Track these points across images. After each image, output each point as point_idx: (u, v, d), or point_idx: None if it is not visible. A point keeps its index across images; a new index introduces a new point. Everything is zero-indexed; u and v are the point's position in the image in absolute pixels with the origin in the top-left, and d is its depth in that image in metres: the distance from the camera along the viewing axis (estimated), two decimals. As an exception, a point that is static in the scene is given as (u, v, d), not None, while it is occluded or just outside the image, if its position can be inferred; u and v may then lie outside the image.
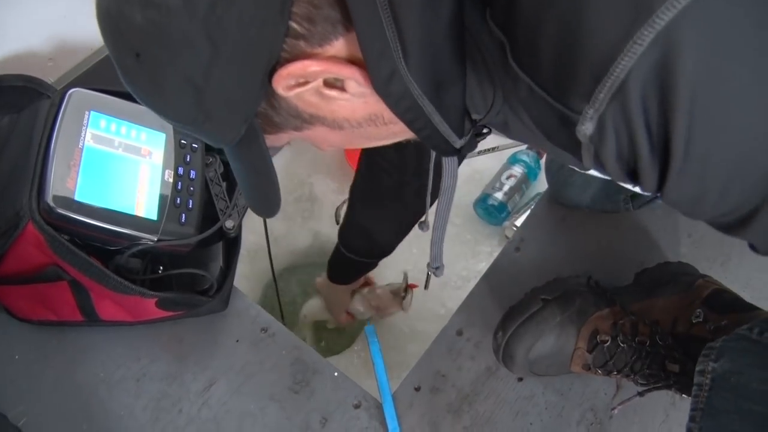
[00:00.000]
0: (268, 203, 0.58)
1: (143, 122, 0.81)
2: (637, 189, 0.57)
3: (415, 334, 1.23)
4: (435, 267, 0.81)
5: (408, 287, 1.16)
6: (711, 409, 0.59)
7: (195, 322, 0.86)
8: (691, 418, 0.60)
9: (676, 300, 0.79)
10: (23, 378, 0.81)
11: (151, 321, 0.84)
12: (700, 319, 0.74)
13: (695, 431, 0.59)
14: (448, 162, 0.63)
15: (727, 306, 0.76)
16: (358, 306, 1.17)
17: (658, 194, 0.44)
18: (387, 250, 1.05)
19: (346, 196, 1.41)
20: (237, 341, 0.86)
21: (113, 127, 0.78)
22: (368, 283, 1.21)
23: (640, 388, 0.77)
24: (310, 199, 1.41)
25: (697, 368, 0.61)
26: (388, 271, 1.28)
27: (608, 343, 0.76)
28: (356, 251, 1.04)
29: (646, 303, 0.80)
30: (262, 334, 0.87)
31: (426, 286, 0.94)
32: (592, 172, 0.55)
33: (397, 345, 1.21)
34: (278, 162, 1.37)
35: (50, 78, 0.92)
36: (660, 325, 0.77)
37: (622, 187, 0.94)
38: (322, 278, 1.18)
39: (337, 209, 1.40)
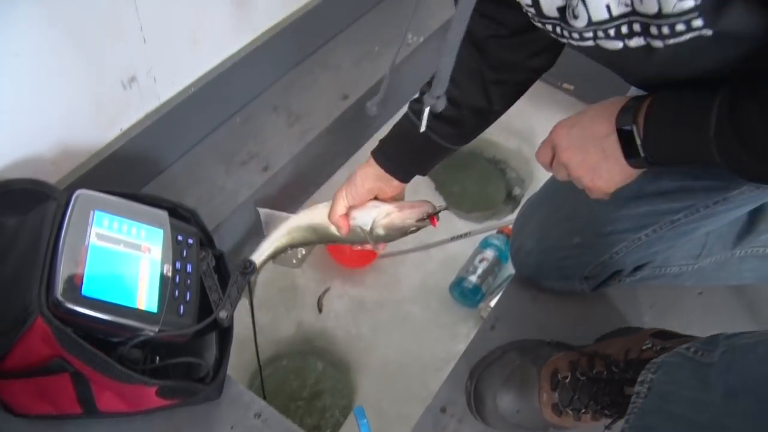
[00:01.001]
0: None
1: (142, 220, 0.87)
2: None
3: (400, 418, 1.25)
4: (436, 96, 0.74)
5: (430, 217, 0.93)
6: (641, 411, 0.68)
7: (190, 410, 0.89)
8: (626, 420, 0.69)
9: (627, 339, 0.86)
10: (20, 474, 0.82)
11: (148, 411, 0.86)
12: (650, 346, 0.82)
13: (626, 431, 0.67)
14: None
15: (673, 336, 0.84)
16: (367, 213, 0.95)
17: None
18: (471, 123, 0.90)
19: (328, 285, 1.48)
20: (231, 428, 0.89)
21: (115, 225, 0.84)
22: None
23: (606, 422, 0.82)
24: (293, 290, 1.46)
25: (638, 379, 0.69)
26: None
27: (569, 379, 0.82)
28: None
29: (600, 344, 0.88)
30: (255, 420, 0.90)
31: None
32: None
33: (383, 428, 1.23)
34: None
35: (52, 179, 0.98)
36: (614, 357, 0.83)
37: (577, 269, 1.01)
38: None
39: (320, 298, 1.45)
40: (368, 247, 0.98)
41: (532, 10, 0.67)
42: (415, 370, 1.35)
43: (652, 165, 0.69)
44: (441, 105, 0.75)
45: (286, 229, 1.00)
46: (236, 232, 1.23)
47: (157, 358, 0.85)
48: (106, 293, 0.77)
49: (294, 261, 1.09)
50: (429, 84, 0.84)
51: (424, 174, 0.95)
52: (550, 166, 0.79)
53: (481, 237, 1.54)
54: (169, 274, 0.85)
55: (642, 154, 0.68)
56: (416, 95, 0.88)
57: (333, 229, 0.97)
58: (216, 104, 1.27)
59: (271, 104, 1.38)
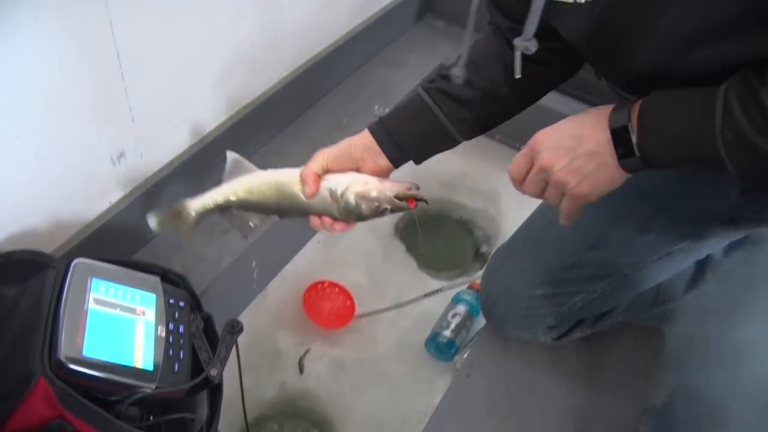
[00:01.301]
0: None
1: (137, 285, 0.93)
2: None
3: (383, 471, 1.29)
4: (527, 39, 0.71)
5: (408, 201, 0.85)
6: None
7: (182, 467, 0.93)
8: None
9: None
10: None
11: (142, 470, 0.90)
12: None
13: None
14: None
15: None
16: (343, 177, 0.88)
17: None
18: (482, 110, 0.87)
19: (308, 347, 1.52)
20: (223, 482, 0.93)
21: (111, 291, 0.89)
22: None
23: None
24: (275, 353, 1.50)
25: None
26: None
27: None
28: (442, 102, 0.86)
29: None
30: (246, 474, 0.94)
31: None
32: None
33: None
34: (242, 319, 1.47)
35: (47, 249, 1.03)
36: None
37: (539, 319, 1.08)
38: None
39: (300, 360, 1.50)
40: (327, 221, 0.89)
41: None
42: (396, 424, 1.39)
43: (646, 166, 0.66)
44: (533, 47, 0.72)
45: (247, 182, 0.93)
46: (221, 297, 1.28)
47: (151, 416, 0.89)
48: (105, 354, 0.82)
49: (251, 223, 0.96)
50: (448, 68, 0.87)
51: (417, 161, 0.90)
52: (521, 183, 0.76)
53: (452, 293, 1.61)
54: (163, 334, 0.90)
55: (637, 153, 0.65)
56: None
57: (298, 191, 0.89)
58: (199, 177, 1.34)
59: (249, 175, 1.45)
